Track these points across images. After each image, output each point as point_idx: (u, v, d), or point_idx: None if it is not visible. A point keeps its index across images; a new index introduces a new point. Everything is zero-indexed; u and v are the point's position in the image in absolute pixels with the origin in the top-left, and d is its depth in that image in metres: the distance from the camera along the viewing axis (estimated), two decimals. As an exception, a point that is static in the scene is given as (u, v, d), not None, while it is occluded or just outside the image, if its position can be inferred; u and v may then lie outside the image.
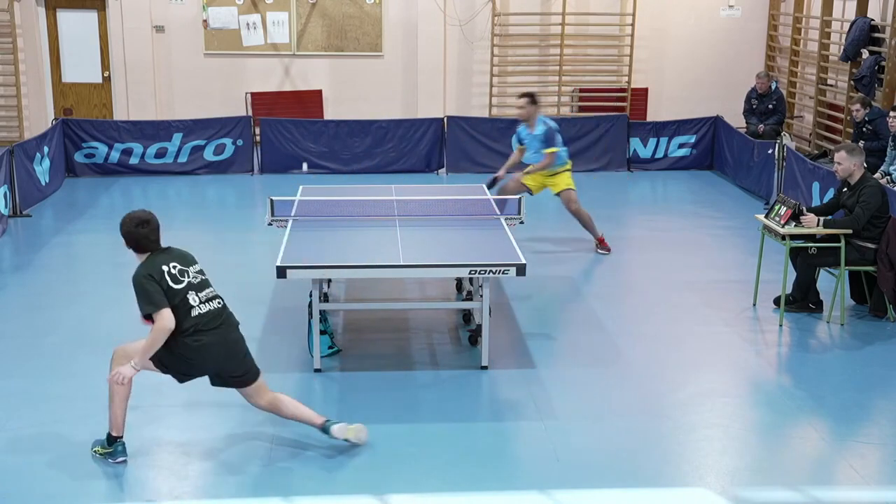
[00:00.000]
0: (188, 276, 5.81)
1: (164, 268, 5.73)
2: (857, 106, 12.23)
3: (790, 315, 8.39)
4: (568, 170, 10.36)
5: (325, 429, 6.01)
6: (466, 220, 8.32)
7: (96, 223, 11.52)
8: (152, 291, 5.63)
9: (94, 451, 5.97)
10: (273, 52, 16.11)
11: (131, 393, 5.91)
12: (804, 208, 8.37)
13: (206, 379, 6.86)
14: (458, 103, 16.29)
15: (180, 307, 5.69)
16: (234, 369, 5.93)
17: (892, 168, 11.12)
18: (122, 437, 5.92)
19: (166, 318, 5.60)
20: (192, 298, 5.75)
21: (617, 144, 14.60)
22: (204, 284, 5.88)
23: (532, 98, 10.19)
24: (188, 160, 14.14)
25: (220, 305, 5.88)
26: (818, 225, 8.14)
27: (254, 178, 14.05)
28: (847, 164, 8.24)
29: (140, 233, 5.76)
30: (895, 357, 7.63)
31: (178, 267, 5.80)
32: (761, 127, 14.02)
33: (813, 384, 7.11)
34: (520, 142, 10.41)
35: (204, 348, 5.74)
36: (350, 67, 16.23)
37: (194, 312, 5.73)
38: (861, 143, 11.47)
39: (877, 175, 10.92)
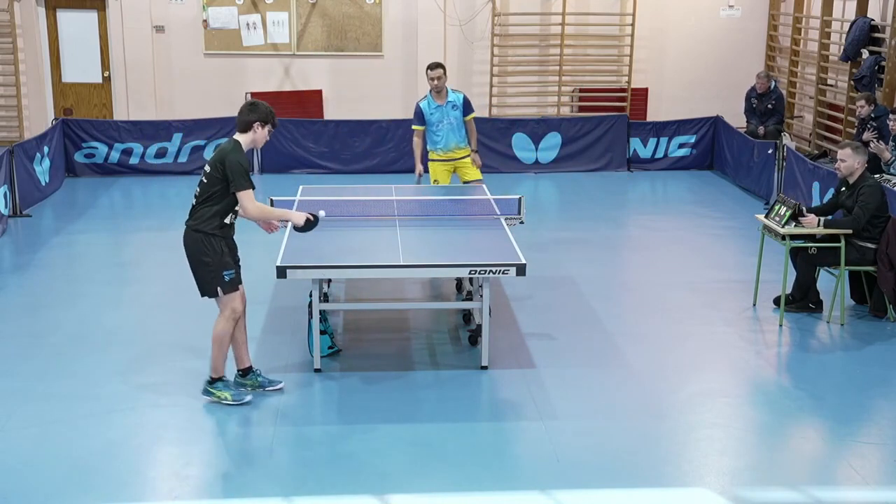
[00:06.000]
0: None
1: None
2: (862, 102, 12.22)
3: (790, 315, 8.39)
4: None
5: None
6: (466, 220, 8.31)
7: (96, 223, 11.52)
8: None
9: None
10: (273, 52, 16.11)
11: None
12: (804, 208, 8.37)
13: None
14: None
15: None
16: None
17: (892, 168, 11.12)
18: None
19: None
20: None
21: (617, 144, 14.61)
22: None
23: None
24: (188, 160, 14.14)
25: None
26: (818, 225, 8.14)
27: (254, 177, 14.00)
28: (851, 161, 8.23)
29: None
30: (895, 357, 7.63)
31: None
32: (761, 129, 14.04)
33: (813, 384, 7.11)
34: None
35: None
36: (350, 67, 16.23)
37: None
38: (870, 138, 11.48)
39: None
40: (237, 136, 6.58)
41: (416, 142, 9.76)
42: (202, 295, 6.60)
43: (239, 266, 6.71)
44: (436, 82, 9.65)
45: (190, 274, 6.59)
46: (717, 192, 13.30)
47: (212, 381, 6.67)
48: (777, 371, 7.46)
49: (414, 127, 9.81)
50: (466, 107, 9.73)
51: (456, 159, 9.75)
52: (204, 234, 6.45)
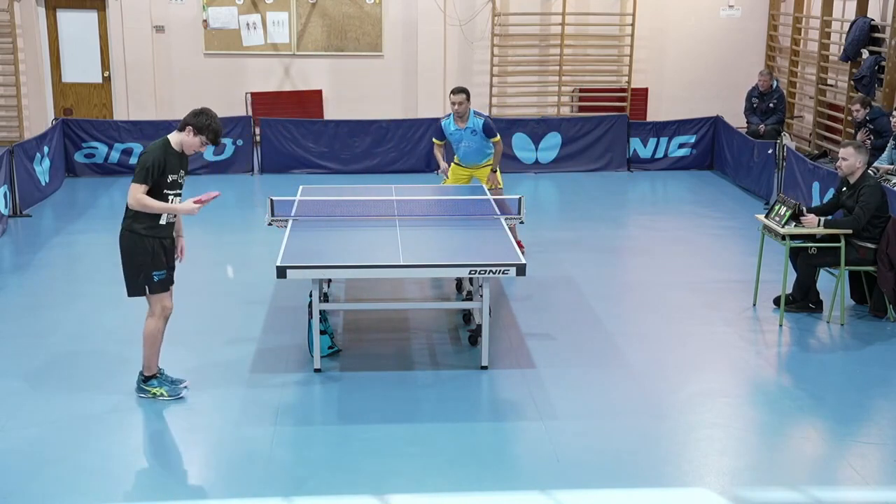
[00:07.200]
0: None
1: None
2: (857, 106, 12.24)
3: (790, 315, 8.39)
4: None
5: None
6: (466, 220, 8.31)
7: (96, 223, 11.52)
8: None
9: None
10: (273, 52, 16.11)
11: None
12: (804, 208, 8.38)
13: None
14: (458, 103, 16.28)
15: None
16: None
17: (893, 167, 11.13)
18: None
19: None
20: None
21: (617, 144, 14.61)
22: None
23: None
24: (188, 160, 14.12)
25: None
26: (818, 225, 8.14)
27: (254, 178, 14.06)
28: (853, 160, 8.23)
29: None
30: (895, 357, 7.63)
31: None
32: (762, 127, 14.04)
33: (813, 384, 7.11)
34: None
35: None
36: (350, 67, 16.24)
37: None
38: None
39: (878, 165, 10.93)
40: (171, 134, 6.54)
41: (436, 152, 9.99)
42: (129, 294, 6.60)
43: (173, 268, 6.67)
44: (456, 107, 9.59)
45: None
46: (717, 192, 13.30)
47: (145, 379, 6.70)
48: (777, 371, 7.46)
49: (434, 140, 10.03)
50: (487, 132, 9.65)
51: (473, 168, 9.91)
52: (137, 235, 6.45)
